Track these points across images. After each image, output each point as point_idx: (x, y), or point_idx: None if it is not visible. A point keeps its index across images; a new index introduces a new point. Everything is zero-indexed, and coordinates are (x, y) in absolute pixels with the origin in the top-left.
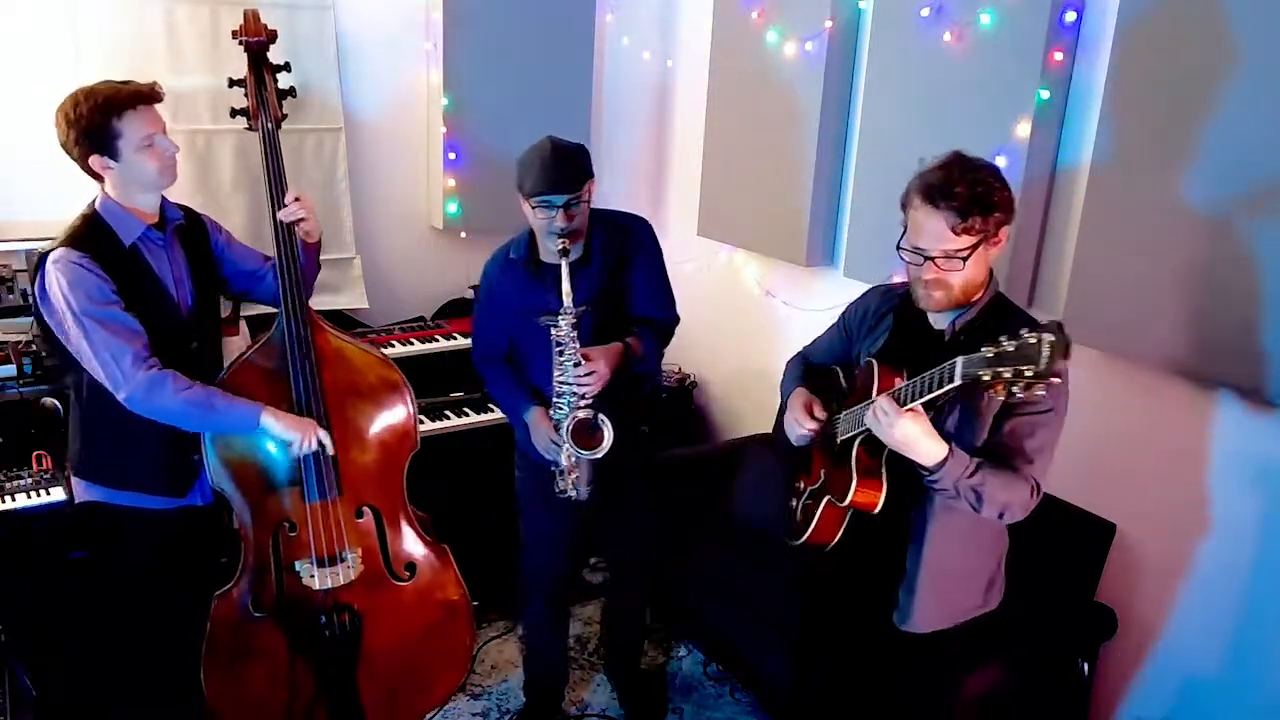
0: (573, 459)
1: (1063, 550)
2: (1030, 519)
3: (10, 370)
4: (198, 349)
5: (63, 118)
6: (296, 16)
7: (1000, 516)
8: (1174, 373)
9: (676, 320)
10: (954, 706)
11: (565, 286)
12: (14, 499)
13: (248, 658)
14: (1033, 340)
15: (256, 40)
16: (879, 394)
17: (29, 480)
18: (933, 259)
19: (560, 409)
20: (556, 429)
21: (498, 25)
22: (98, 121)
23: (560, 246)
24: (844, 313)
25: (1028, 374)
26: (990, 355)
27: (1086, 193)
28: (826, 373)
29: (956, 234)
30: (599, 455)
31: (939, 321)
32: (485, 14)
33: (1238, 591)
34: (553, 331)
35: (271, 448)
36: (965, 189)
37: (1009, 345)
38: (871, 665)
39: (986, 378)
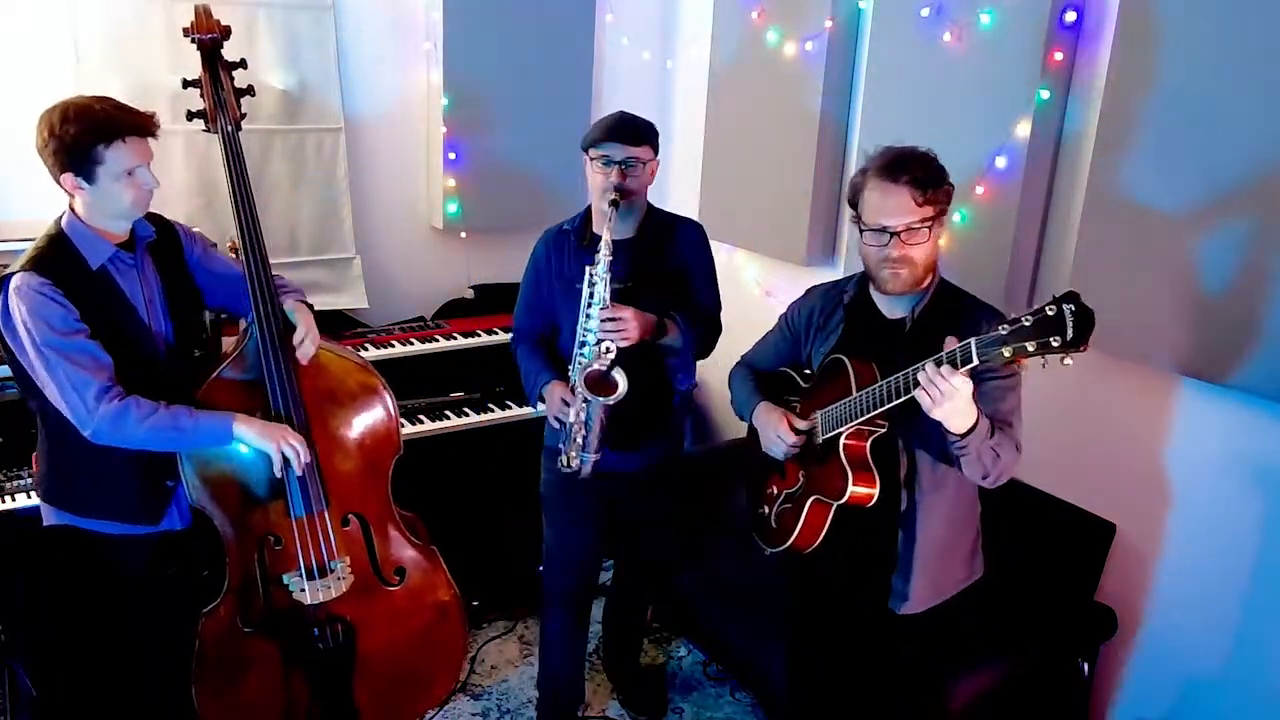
0: (581, 415)
1: (1063, 550)
2: (1031, 518)
3: (10, 370)
4: (169, 373)
5: (45, 126)
6: (296, 16)
7: (996, 479)
8: (1174, 373)
9: (720, 325)
10: (949, 686)
11: (608, 226)
12: (14, 499)
13: (239, 672)
14: (1053, 313)
15: (209, 37)
16: (859, 387)
17: (29, 480)
18: (898, 234)
19: (579, 361)
20: (573, 392)
21: (498, 25)
22: (83, 144)
23: (611, 198)
24: (786, 316)
25: (1055, 344)
26: (1006, 333)
27: (1086, 193)
28: (778, 377)
29: (919, 205)
30: (610, 401)
31: (893, 311)
32: (485, 14)
33: (1237, 591)
34: (587, 270)
35: (244, 448)
36: (918, 164)
37: (1026, 320)
38: (870, 654)
39: (1007, 354)
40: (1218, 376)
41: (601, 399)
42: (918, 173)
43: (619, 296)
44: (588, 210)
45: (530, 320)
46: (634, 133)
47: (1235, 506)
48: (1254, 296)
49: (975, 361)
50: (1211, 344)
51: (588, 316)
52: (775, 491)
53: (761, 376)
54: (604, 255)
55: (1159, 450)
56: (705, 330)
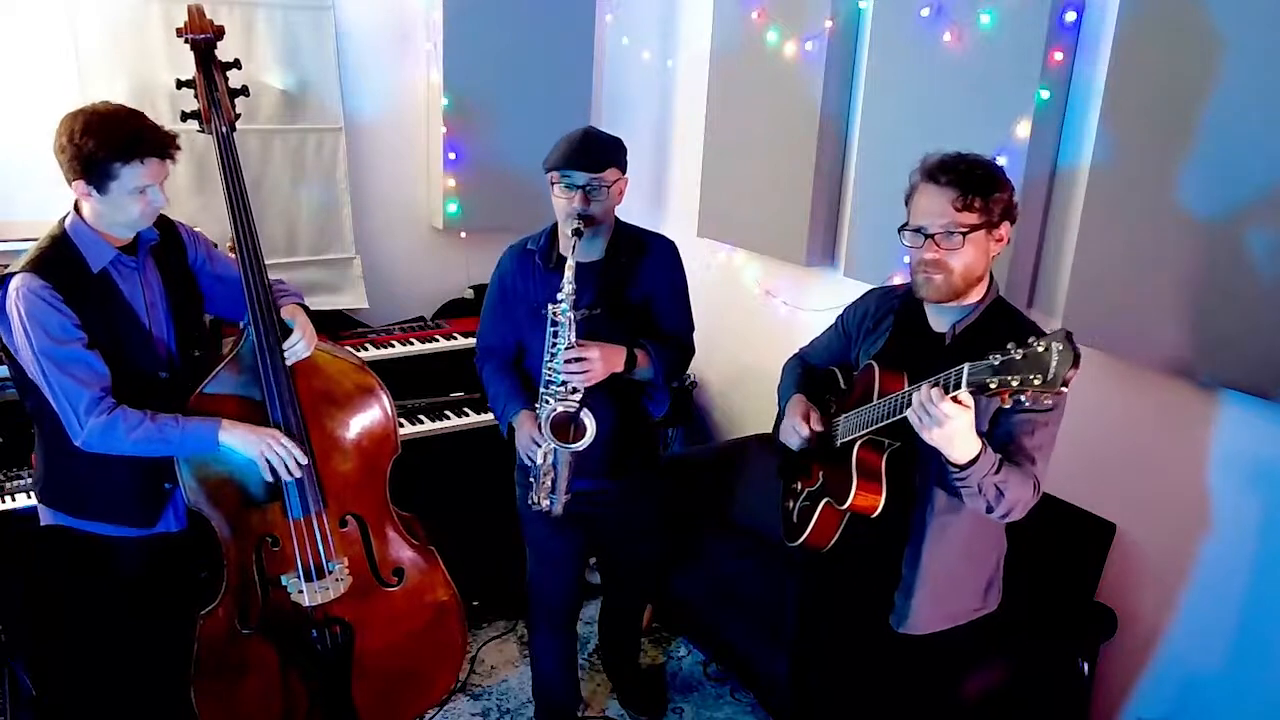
0: (549, 459)
1: (1063, 550)
2: (1030, 518)
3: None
4: (168, 379)
5: (65, 132)
6: (296, 16)
7: (1004, 516)
8: (1174, 373)
9: (692, 348)
10: (953, 707)
11: (570, 263)
12: (14, 499)
13: (238, 674)
14: (1041, 349)
15: (203, 37)
16: (880, 397)
17: (29, 480)
18: (933, 236)
19: (546, 401)
20: (540, 430)
21: (498, 25)
22: (100, 158)
23: (574, 226)
24: (842, 314)
25: (1035, 383)
26: (997, 363)
27: (1086, 193)
28: (825, 375)
29: (957, 210)
30: (577, 448)
31: (939, 324)
32: (485, 14)
33: (1238, 591)
34: (550, 308)
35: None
36: (966, 168)
37: (1016, 354)
38: (869, 667)
39: (993, 385)
40: (1217, 377)
41: (568, 446)
42: (961, 177)
43: (587, 323)
44: (553, 228)
45: (496, 339)
46: (595, 158)
47: (1235, 506)
48: (1253, 296)
49: (964, 388)
50: (1211, 344)
51: (552, 357)
52: (800, 488)
53: (809, 371)
54: (567, 292)
55: (1159, 450)
56: (677, 355)
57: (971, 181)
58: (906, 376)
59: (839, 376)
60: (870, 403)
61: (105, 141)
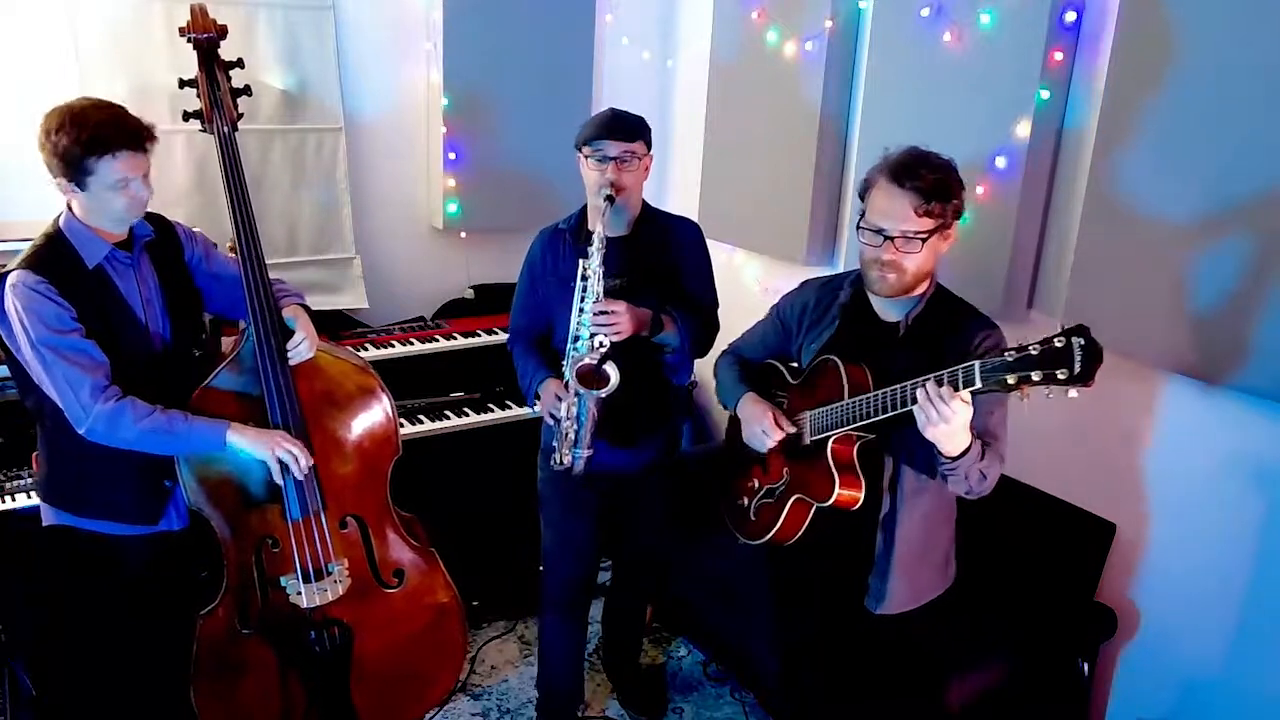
0: (573, 410)
1: (1063, 550)
2: (1030, 518)
3: (8, 369)
4: (167, 374)
5: (42, 131)
6: (296, 16)
7: (980, 494)
8: (1174, 372)
9: (717, 323)
10: (939, 690)
11: (601, 221)
12: (14, 499)
13: (237, 674)
14: (1060, 345)
15: (206, 36)
16: (851, 392)
17: (29, 480)
18: (892, 239)
19: (574, 354)
20: (565, 387)
21: (498, 25)
22: (75, 154)
23: (606, 193)
24: (778, 306)
25: (1061, 378)
26: (1012, 360)
27: (1086, 193)
28: (764, 369)
29: (918, 215)
30: (600, 394)
31: (888, 314)
32: (485, 14)
33: (1238, 591)
34: (580, 263)
35: (244, 451)
36: (930, 174)
37: (1033, 349)
38: (852, 652)
39: (1012, 381)
40: (1217, 376)
41: (593, 392)
42: (925, 183)
43: (614, 293)
44: (583, 210)
45: (526, 319)
46: (627, 129)
47: (1235, 506)
48: (1253, 297)
49: (978, 385)
50: (1212, 344)
51: (581, 310)
52: (757, 484)
53: (748, 366)
54: (597, 248)
55: (1159, 450)
56: (702, 326)
57: (935, 189)
58: (867, 368)
59: (781, 370)
60: (842, 398)
61: (75, 138)
